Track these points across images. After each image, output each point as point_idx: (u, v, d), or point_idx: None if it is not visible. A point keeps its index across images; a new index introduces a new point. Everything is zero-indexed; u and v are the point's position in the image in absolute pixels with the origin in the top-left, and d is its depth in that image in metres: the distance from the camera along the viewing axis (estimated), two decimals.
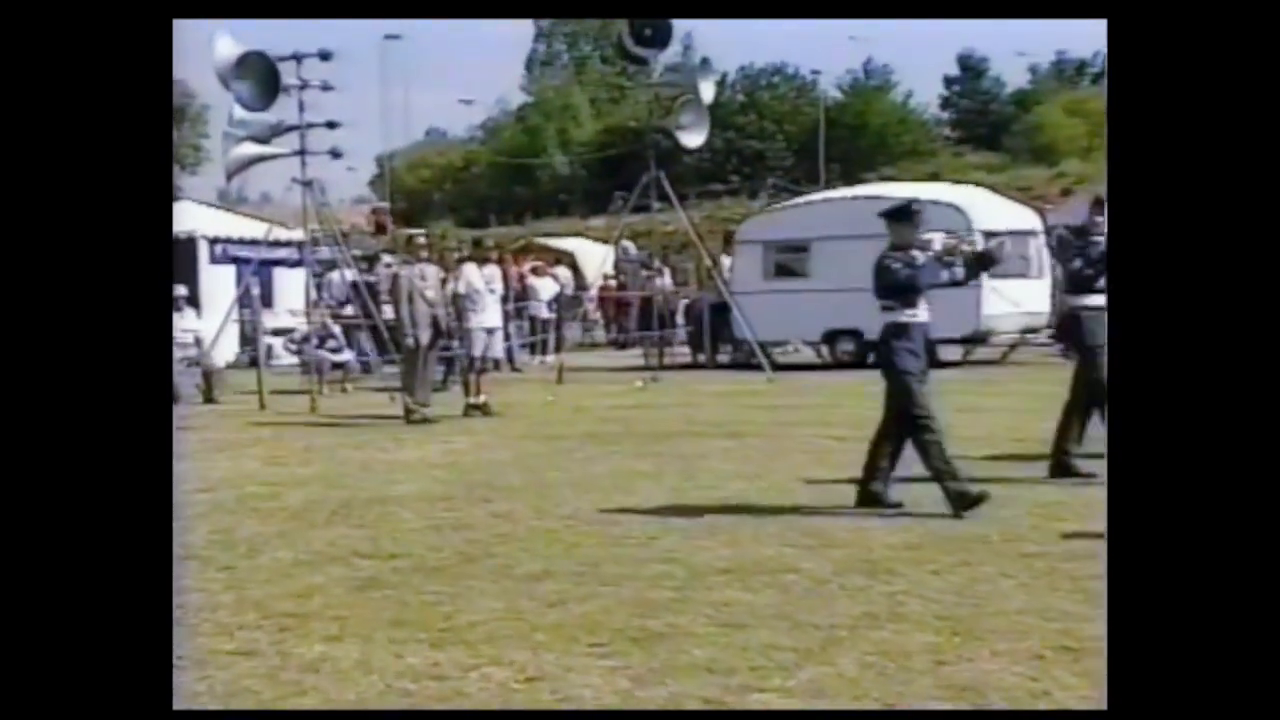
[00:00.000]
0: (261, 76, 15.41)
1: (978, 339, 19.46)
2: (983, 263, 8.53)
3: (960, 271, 8.04)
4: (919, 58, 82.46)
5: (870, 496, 7.85)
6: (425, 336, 13.95)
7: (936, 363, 8.01)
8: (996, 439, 10.55)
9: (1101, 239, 8.62)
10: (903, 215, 7.96)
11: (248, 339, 19.98)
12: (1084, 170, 43.80)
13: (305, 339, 18.43)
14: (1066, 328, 9.60)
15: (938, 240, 8.11)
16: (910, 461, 7.83)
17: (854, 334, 19.39)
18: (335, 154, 16.38)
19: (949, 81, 68.65)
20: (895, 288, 7.73)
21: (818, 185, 47.06)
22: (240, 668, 5.04)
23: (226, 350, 19.45)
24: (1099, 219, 8.71)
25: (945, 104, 69.09)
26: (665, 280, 26.21)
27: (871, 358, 17.33)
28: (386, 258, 23.42)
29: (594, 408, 15.09)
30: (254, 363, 17.38)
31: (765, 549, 6.86)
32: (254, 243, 21.27)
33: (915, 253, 7.84)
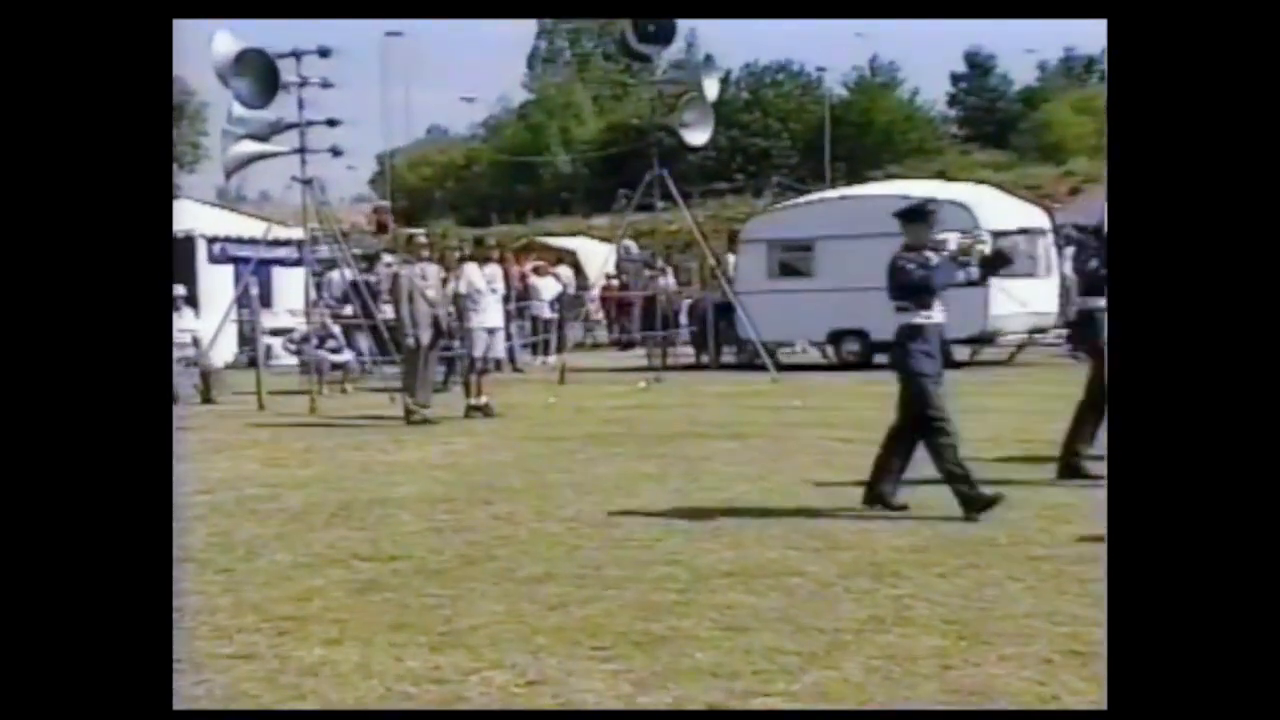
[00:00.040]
0: (260, 74, 15.34)
1: (985, 339, 19.38)
2: (997, 262, 8.47)
3: (975, 271, 7.99)
4: (925, 55, 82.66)
5: (877, 496, 7.81)
6: (426, 337, 13.89)
7: (949, 363, 7.94)
8: (1004, 440, 10.52)
9: None
10: (917, 215, 7.90)
11: (246, 339, 19.93)
12: (1092, 168, 43.60)
13: (304, 339, 18.40)
14: (1081, 328, 9.53)
15: (952, 240, 8.04)
16: (918, 464, 7.77)
17: (859, 334, 19.34)
18: (335, 152, 16.28)
19: (956, 79, 68.65)
20: (910, 288, 7.67)
21: (823, 184, 47.16)
22: (239, 671, 5.00)
23: (225, 350, 19.44)
24: None
25: (952, 101, 69.11)
26: (668, 280, 26.20)
27: (877, 358, 17.39)
28: (387, 257, 23.46)
29: (596, 409, 15.06)
30: (253, 363, 17.34)
31: (770, 551, 6.82)
32: (253, 242, 21.22)
33: (929, 253, 7.78)
